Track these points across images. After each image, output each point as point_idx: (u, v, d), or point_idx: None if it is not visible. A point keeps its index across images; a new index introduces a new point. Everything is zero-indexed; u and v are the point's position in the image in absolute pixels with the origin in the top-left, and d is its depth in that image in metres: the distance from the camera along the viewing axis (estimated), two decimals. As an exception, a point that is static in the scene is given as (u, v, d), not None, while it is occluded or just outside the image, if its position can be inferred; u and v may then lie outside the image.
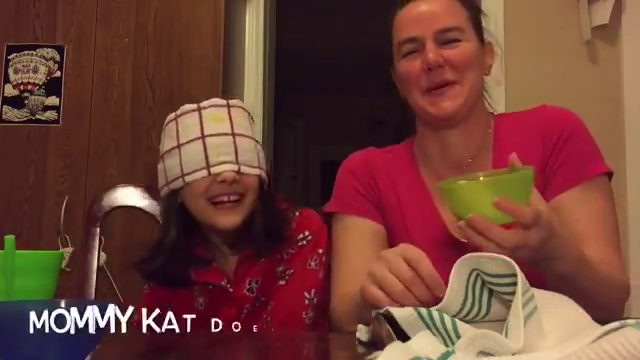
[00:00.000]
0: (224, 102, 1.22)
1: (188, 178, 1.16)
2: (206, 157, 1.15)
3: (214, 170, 1.15)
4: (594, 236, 1.03)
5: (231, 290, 1.23)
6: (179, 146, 1.18)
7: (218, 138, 1.17)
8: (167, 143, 1.22)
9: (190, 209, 1.20)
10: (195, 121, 1.18)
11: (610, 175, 1.11)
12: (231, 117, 1.20)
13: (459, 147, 1.14)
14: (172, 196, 1.22)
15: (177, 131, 1.19)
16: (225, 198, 1.16)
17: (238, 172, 1.16)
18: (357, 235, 1.16)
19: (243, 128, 1.21)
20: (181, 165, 1.17)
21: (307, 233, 1.24)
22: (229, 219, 1.16)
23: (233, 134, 1.18)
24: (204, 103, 1.21)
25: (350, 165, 1.23)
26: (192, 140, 1.17)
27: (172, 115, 1.23)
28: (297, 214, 1.26)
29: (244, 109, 1.25)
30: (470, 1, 1.17)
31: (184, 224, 1.23)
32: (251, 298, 1.22)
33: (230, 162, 1.16)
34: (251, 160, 1.19)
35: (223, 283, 1.23)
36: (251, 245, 1.22)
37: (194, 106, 1.21)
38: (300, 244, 1.23)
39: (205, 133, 1.17)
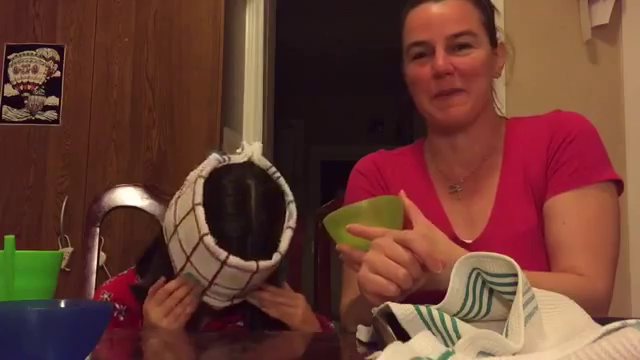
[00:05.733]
0: (254, 267, 1.00)
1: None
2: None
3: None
4: (576, 242, 1.01)
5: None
6: (188, 258, 1.03)
7: (222, 289, 1.05)
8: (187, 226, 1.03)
9: None
10: (212, 263, 1.01)
11: (618, 184, 1.09)
12: (251, 278, 1.03)
13: (469, 149, 1.14)
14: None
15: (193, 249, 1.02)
16: None
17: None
18: None
19: (260, 280, 1.06)
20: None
21: None
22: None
23: (244, 289, 1.06)
24: (232, 260, 0.98)
25: (360, 167, 1.24)
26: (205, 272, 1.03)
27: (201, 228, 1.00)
28: None
29: (273, 263, 1.03)
30: (484, 2, 1.13)
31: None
32: None
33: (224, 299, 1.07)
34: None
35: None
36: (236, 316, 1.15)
37: (222, 255, 0.98)
38: None
39: (216, 281, 1.03)
